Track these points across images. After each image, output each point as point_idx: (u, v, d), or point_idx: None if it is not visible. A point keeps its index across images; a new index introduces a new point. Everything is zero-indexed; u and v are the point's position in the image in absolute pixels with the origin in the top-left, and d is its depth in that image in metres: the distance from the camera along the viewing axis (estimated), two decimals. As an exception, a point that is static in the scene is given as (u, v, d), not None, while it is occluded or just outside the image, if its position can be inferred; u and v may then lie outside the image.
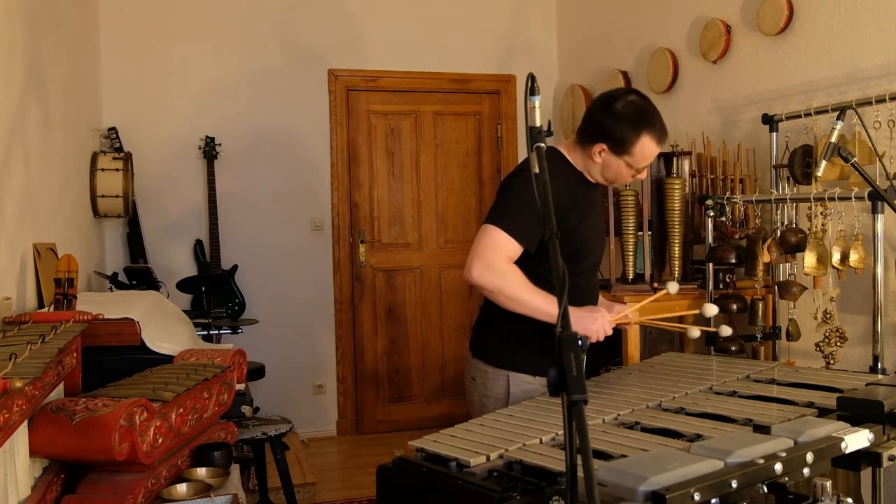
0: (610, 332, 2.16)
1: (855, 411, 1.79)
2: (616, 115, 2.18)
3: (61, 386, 1.80)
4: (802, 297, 3.18)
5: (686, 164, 3.58)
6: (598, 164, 2.24)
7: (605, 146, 2.20)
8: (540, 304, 2.10)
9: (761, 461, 1.47)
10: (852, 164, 2.56)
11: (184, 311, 3.58)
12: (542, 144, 1.56)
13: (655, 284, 3.42)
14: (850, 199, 2.78)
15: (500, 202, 2.20)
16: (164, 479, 1.74)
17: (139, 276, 4.04)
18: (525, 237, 2.12)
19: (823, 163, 2.69)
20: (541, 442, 1.72)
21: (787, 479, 1.49)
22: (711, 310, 2.44)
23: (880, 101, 2.90)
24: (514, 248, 2.12)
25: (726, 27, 3.90)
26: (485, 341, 2.37)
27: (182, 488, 1.74)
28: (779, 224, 3.20)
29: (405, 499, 1.69)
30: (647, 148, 2.19)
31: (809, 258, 2.98)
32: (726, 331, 2.45)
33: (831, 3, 3.33)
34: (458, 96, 5.44)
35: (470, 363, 2.40)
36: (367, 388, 5.27)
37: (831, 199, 2.86)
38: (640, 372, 2.41)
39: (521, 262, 2.22)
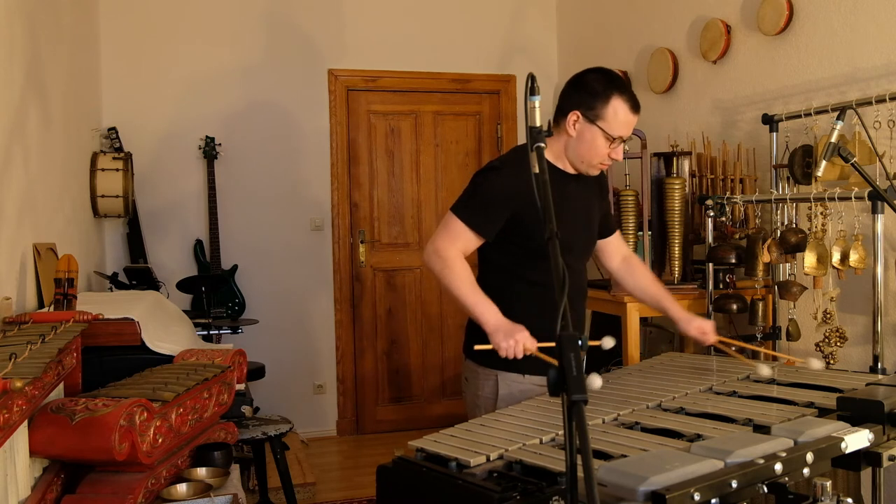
0: (520, 355, 2.06)
1: (855, 411, 1.79)
2: (586, 82, 2.26)
3: (61, 386, 1.80)
4: (802, 297, 3.18)
5: (686, 164, 3.59)
6: (573, 138, 2.25)
7: (578, 113, 2.23)
8: (467, 298, 2.16)
9: (761, 461, 1.47)
10: (852, 164, 2.55)
11: (184, 311, 3.58)
12: (543, 144, 1.56)
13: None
14: (850, 199, 2.78)
15: (464, 193, 2.30)
16: (164, 479, 1.74)
17: (139, 276, 4.04)
18: (481, 228, 2.23)
19: (823, 163, 2.69)
20: (541, 442, 1.72)
21: (787, 479, 1.49)
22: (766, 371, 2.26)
23: (880, 101, 2.89)
24: (469, 237, 2.23)
25: (726, 27, 3.90)
26: (475, 341, 2.38)
27: (182, 488, 1.74)
28: (779, 224, 3.20)
29: (405, 499, 1.69)
30: (619, 111, 2.20)
31: (809, 258, 2.98)
32: (766, 371, 2.32)
33: (831, 3, 3.33)
34: (458, 96, 5.44)
35: (463, 364, 2.43)
36: (367, 388, 5.27)
37: (831, 199, 2.86)
38: (640, 372, 2.41)
39: (509, 262, 2.25)
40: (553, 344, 2.07)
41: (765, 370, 2.24)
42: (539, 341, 2.07)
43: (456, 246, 2.22)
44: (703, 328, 2.38)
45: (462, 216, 2.23)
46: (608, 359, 3.57)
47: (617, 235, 2.60)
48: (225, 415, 2.09)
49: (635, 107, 2.23)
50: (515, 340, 2.06)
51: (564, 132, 2.27)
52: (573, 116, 2.24)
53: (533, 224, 2.15)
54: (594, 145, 2.23)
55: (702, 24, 4.06)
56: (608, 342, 2.09)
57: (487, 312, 2.14)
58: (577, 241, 2.37)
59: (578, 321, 2.45)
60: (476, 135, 5.50)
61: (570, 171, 2.33)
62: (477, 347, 2.13)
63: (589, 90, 2.23)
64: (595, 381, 1.82)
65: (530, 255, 2.25)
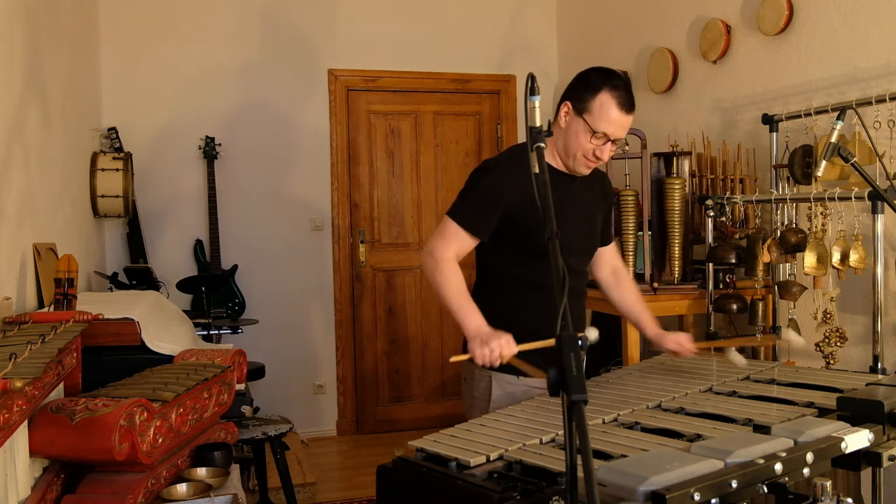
0: (496, 364, 2.01)
1: (855, 411, 1.79)
2: (585, 76, 2.25)
3: (61, 386, 1.80)
4: (802, 297, 3.18)
5: (686, 164, 3.59)
6: (563, 129, 2.24)
7: (569, 104, 2.23)
8: (452, 302, 2.14)
9: (761, 461, 1.47)
10: (852, 164, 2.55)
11: (184, 311, 3.58)
12: (543, 144, 1.56)
13: (656, 284, 3.42)
14: (850, 199, 2.78)
15: (459, 196, 2.30)
16: (164, 479, 1.74)
17: (139, 276, 4.04)
18: (475, 227, 2.23)
19: (823, 163, 2.69)
20: (541, 442, 1.72)
21: (787, 479, 1.49)
22: (739, 360, 2.35)
23: (880, 101, 2.89)
24: (463, 238, 2.23)
25: (726, 27, 3.90)
26: None
27: (182, 488, 1.74)
28: (779, 224, 3.20)
29: (405, 499, 1.69)
30: (605, 105, 2.16)
31: (809, 258, 2.98)
32: (738, 360, 2.38)
33: (831, 3, 3.33)
34: (458, 96, 5.44)
35: (463, 364, 2.42)
36: (367, 388, 5.27)
37: (831, 199, 2.86)
38: (640, 372, 2.41)
39: (505, 263, 2.24)
40: (537, 344, 2.07)
41: (738, 358, 2.31)
42: (535, 342, 2.00)
43: (451, 248, 2.21)
44: (679, 341, 2.37)
45: (456, 218, 2.24)
46: (608, 359, 3.57)
47: (612, 247, 2.58)
48: (225, 415, 2.09)
49: (625, 105, 2.17)
50: (491, 349, 1.99)
51: (558, 126, 2.27)
52: (564, 108, 2.24)
53: (528, 222, 2.14)
54: (577, 138, 2.21)
55: (702, 24, 4.06)
56: (592, 333, 2.02)
57: (469, 318, 2.10)
58: (577, 243, 2.35)
59: (578, 323, 2.44)
60: (476, 135, 5.50)
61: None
62: (453, 359, 2.07)
63: (584, 83, 2.23)
64: (592, 332, 1.83)
65: (527, 255, 2.24)
